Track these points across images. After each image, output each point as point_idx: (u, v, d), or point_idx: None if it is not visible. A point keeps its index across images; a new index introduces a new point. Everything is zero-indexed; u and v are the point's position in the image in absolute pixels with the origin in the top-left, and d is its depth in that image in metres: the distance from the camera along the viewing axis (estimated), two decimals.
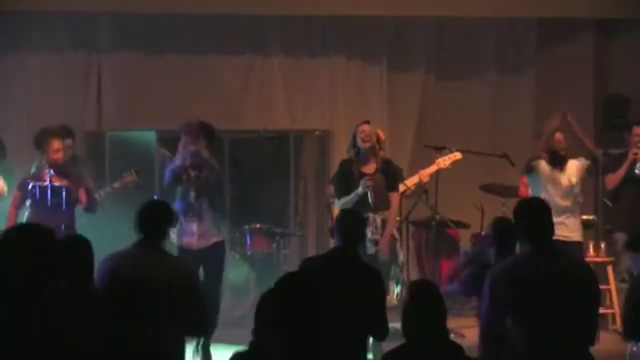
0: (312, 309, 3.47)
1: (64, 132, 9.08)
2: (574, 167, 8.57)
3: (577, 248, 8.46)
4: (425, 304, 4.69)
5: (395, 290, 9.24)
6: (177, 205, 7.80)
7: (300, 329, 3.40)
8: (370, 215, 8.29)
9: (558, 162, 8.54)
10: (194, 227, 8.00)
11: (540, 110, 10.89)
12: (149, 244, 5.49)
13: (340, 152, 9.52)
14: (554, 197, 8.36)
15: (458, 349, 4.74)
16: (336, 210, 8.87)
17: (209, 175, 8.11)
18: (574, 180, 8.55)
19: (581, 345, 4.95)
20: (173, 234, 7.94)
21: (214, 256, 8.11)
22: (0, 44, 10.32)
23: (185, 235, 8.01)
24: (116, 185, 8.70)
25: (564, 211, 8.39)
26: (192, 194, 8.02)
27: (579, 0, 10.67)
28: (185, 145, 8.07)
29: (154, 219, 5.59)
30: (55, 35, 10.48)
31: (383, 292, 5.87)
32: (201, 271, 7.92)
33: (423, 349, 4.63)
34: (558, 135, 8.58)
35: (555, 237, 5.33)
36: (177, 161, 8.11)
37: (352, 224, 6.00)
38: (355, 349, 5.60)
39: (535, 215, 5.16)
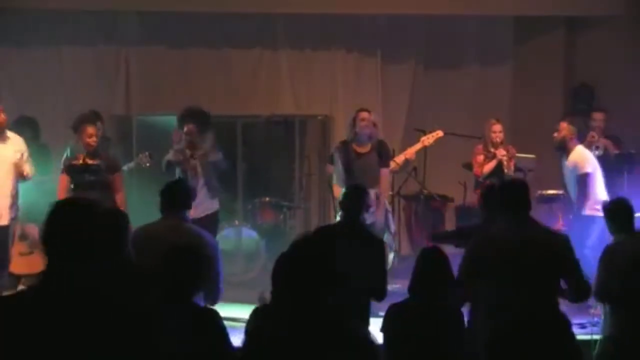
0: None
1: (93, 117, 9.15)
2: None
3: None
4: (433, 267, 4.82)
5: (390, 257, 9.36)
6: None
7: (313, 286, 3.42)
8: None
9: None
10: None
11: (516, 97, 11.01)
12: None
13: (339, 135, 9.67)
14: None
15: (455, 309, 4.87)
16: (336, 188, 8.97)
17: (206, 156, 8.22)
18: None
19: (547, 304, 5.05)
20: None
21: (206, 225, 8.20)
22: (38, 39, 10.37)
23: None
24: (131, 165, 8.71)
25: None
26: (190, 172, 8.12)
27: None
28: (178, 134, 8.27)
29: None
30: (88, 31, 10.50)
31: (384, 257, 5.98)
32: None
33: (423, 305, 4.77)
34: None
35: None
36: (171, 155, 8.24)
37: (354, 198, 6.10)
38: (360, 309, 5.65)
39: (516, 192, 5.27)
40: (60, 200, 3.22)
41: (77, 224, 3.05)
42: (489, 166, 8.95)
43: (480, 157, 9.12)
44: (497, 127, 9.08)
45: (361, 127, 8.35)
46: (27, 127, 8.85)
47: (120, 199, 8.07)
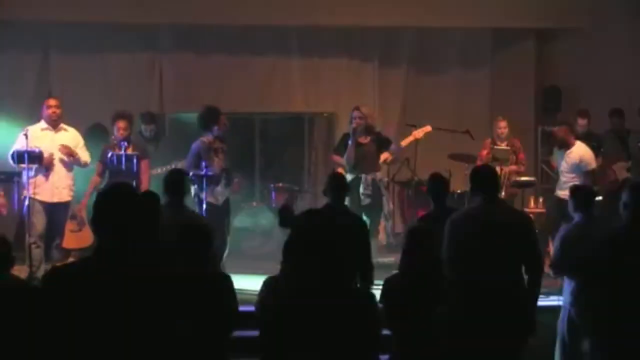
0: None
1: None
2: None
3: None
4: (419, 242, 4.78)
5: (386, 232, 9.39)
6: (206, 172, 7.84)
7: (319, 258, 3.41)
8: (363, 175, 8.39)
9: None
10: (219, 188, 8.06)
11: (494, 98, 11.05)
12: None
13: (342, 129, 9.66)
14: None
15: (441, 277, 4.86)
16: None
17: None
18: None
19: (517, 270, 5.00)
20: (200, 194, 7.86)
21: (228, 208, 8.21)
22: (85, 47, 10.45)
23: (215, 193, 8.05)
24: (159, 171, 8.81)
25: None
26: (219, 163, 8.06)
27: (524, 13, 10.71)
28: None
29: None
30: (127, 41, 10.62)
31: (368, 237, 6.08)
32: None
33: (416, 274, 4.76)
34: None
35: None
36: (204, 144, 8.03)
37: (341, 184, 6.19)
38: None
39: (485, 176, 5.22)
40: (105, 188, 3.24)
41: (120, 208, 3.03)
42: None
43: (484, 152, 9.26)
44: (502, 124, 9.36)
45: (356, 123, 8.39)
46: (99, 131, 9.38)
47: (144, 181, 8.38)
